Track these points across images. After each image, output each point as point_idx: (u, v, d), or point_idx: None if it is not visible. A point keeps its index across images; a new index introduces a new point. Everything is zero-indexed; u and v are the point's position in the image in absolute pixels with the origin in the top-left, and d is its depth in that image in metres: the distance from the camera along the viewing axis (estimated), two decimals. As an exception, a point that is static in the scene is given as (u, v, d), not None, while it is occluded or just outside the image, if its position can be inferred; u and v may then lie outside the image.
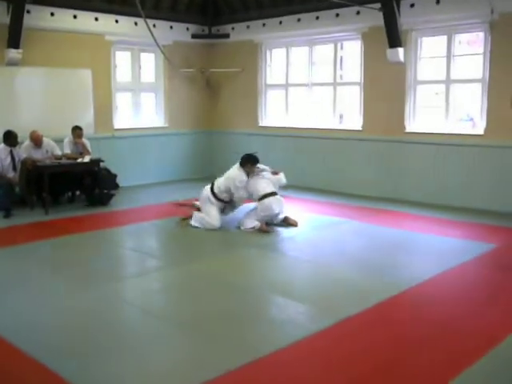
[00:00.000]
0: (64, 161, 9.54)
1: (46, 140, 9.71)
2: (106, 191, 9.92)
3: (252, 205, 8.43)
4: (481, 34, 9.34)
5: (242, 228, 8.10)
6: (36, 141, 9.58)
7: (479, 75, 9.31)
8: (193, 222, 8.29)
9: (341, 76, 11.35)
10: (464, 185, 9.44)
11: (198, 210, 8.51)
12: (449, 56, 9.61)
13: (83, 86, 11.05)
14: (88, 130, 10.73)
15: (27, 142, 9.60)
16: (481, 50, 9.30)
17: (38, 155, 9.54)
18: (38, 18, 10.20)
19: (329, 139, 11.12)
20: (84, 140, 10.08)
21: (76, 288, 5.70)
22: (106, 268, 6.36)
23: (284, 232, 8.09)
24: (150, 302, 5.36)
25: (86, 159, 9.64)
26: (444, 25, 9.52)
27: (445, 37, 9.66)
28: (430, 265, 6.37)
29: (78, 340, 4.50)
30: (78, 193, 10.24)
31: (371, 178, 10.61)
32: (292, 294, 5.52)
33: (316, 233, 8.02)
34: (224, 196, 8.28)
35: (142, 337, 4.55)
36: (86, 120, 11.01)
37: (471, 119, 9.97)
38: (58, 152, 9.79)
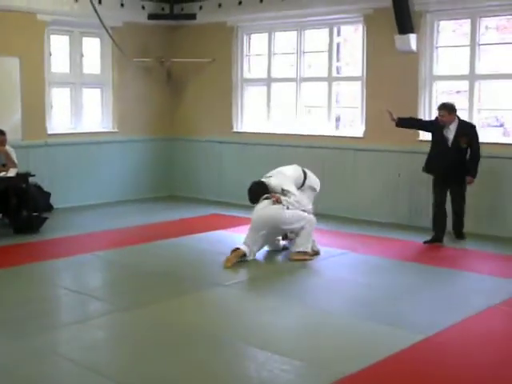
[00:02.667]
0: (-18, 175, 9.48)
1: (-42, 148, 9.66)
2: (36, 214, 9.85)
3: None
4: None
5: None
6: None
7: (511, 69, 9.44)
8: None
9: (338, 69, 11.44)
10: (494, 209, 9.54)
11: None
12: (473, 45, 9.75)
13: (8, 80, 11.00)
14: (14, 135, 10.66)
15: None
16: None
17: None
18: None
19: (322, 149, 11.16)
20: (8, 148, 10.00)
21: (-4, 339, 5.63)
22: (34, 313, 6.26)
23: (266, 266, 8.12)
24: (92, 357, 5.30)
25: (11, 173, 9.57)
26: (467, 6, 9.67)
27: (468, 20, 9.81)
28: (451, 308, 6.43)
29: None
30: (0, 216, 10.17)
31: (375, 199, 10.66)
32: (274, 345, 5.49)
33: (306, 267, 8.05)
34: None
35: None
36: (11, 122, 10.95)
37: (501, 125, 10.09)
38: (-25, 164, 9.74)
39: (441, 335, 5.74)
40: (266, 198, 8.41)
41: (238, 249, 8.09)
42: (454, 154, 8.87)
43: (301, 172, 8.80)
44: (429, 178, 9.67)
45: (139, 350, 5.46)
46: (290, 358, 5.23)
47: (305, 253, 8.28)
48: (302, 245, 8.27)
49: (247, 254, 8.10)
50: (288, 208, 8.27)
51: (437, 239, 9.09)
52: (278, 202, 8.29)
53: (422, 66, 10.15)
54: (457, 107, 8.98)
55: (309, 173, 8.90)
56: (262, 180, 8.62)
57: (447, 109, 8.86)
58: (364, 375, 4.91)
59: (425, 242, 9.11)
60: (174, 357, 5.27)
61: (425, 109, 10.17)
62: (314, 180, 8.92)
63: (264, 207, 8.34)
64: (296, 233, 8.33)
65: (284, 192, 8.40)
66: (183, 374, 4.97)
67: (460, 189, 9.04)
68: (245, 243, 8.19)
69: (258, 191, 8.52)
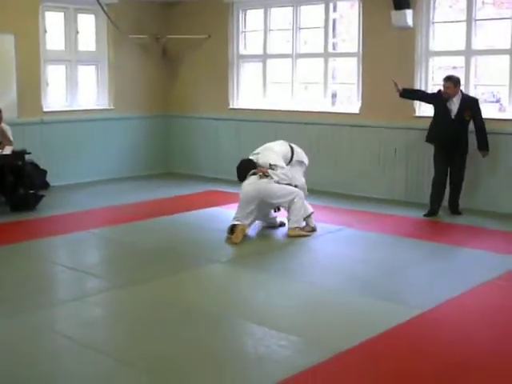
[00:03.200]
0: (-22, 153, 9.46)
1: (-46, 126, 9.64)
2: (32, 192, 9.85)
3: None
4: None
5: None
6: None
7: (507, 45, 9.41)
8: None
9: (334, 45, 11.42)
10: (489, 184, 9.55)
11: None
12: (469, 20, 9.70)
13: (3, 57, 10.94)
14: (9, 112, 10.62)
15: None
16: (510, 12, 9.40)
17: None
18: None
19: (318, 125, 11.16)
20: (4, 126, 9.98)
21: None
22: (32, 291, 6.28)
23: (262, 243, 8.14)
24: (90, 334, 5.31)
25: (7, 151, 9.56)
26: (463, -19, 9.63)
27: (464, -5, 9.77)
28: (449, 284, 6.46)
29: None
30: (-4, 194, 10.15)
31: (372, 175, 10.67)
32: (272, 321, 5.52)
33: (302, 243, 8.07)
34: None
35: (77, 376, 4.52)
36: (7, 100, 10.90)
37: (497, 100, 10.08)
38: (-30, 142, 9.71)
39: (437, 310, 5.77)
40: (253, 174, 8.40)
41: (235, 225, 8.08)
42: (457, 125, 9.04)
43: (288, 147, 8.74)
44: (425, 154, 9.71)
45: (137, 328, 5.48)
46: (288, 333, 5.25)
47: (301, 228, 8.31)
48: (295, 221, 8.28)
49: (245, 230, 8.11)
50: (277, 182, 8.27)
51: (433, 212, 9.19)
52: (265, 175, 8.27)
53: (419, 42, 10.11)
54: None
55: (296, 148, 8.84)
56: (250, 158, 8.61)
57: (453, 81, 9.01)
58: (361, 350, 4.93)
59: (424, 215, 9.24)
60: (171, 334, 5.29)
61: (421, 85, 10.14)
62: (301, 154, 8.85)
63: (251, 183, 8.32)
64: (287, 207, 8.33)
65: (272, 166, 8.37)
66: (181, 350, 4.98)
67: (461, 161, 9.20)
68: (236, 219, 8.20)
69: (247, 168, 8.50)
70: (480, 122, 9.04)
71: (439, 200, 9.31)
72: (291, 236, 8.23)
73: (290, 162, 8.64)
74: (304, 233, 8.28)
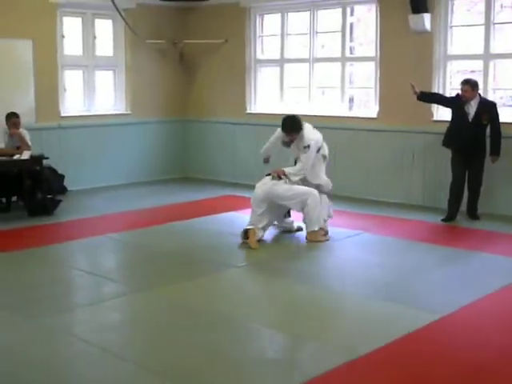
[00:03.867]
0: (-4, 157, 9.53)
1: (-25, 130, 9.72)
2: (50, 196, 9.90)
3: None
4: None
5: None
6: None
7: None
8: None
9: (351, 49, 11.40)
10: (508, 189, 9.50)
11: None
12: (488, 24, 9.66)
13: (21, 62, 11.02)
14: (27, 117, 10.70)
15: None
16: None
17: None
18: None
19: (335, 129, 11.10)
20: (22, 131, 10.04)
21: (10, 321, 5.67)
22: (49, 295, 6.31)
23: (279, 247, 8.15)
24: (107, 338, 5.33)
25: (25, 156, 9.61)
26: (482, -16, 9.60)
27: (483, -1, 9.73)
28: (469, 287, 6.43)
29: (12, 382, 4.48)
30: (14, 199, 10.20)
31: (389, 179, 10.64)
32: (289, 326, 5.53)
33: (319, 248, 8.06)
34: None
35: (95, 381, 4.54)
36: (25, 105, 10.98)
37: (516, 104, 10.04)
38: (-11, 146, 9.79)
39: (455, 315, 5.74)
40: (268, 175, 8.38)
41: (248, 230, 8.03)
42: (474, 129, 8.99)
43: (320, 135, 8.56)
44: (443, 158, 9.66)
45: (154, 332, 5.49)
46: (305, 338, 5.25)
47: (317, 231, 8.24)
48: (312, 224, 8.20)
49: (256, 233, 8.06)
50: (296, 183, 8.23)
51: (451, 217, 9.16)
52: (279, 177, 8.24)
53: (436, 46, 10.08)
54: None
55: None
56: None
57: (470, 84, 8.99)
58: (378, 355, 4.92)
59: (442, 220, 9.23)
60: (188, 338, 5.29)
61: (439, 89, 10.10)
62: (326, 147, 8.64)
63: (262, 184, 8.31)
64: (301, 209, 8.25)
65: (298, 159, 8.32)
66: (198, 355, 4.98)
67: (479, 165, 9.15)
68: (249, 223, 8.16)
69: (294, 122, 8.42)
70: (497, 126, 8.99)
71: (457, 205, 9.27)
72: (310, 241, 8.21)
73: (317, 151, 8.46)
74: (321, 238, 8.24)
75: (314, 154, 8.31)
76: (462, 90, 9.04)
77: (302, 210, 8.23)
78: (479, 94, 9.08)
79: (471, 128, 8.98)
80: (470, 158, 9.10)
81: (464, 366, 4.74)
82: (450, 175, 9.35)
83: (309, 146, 8.22)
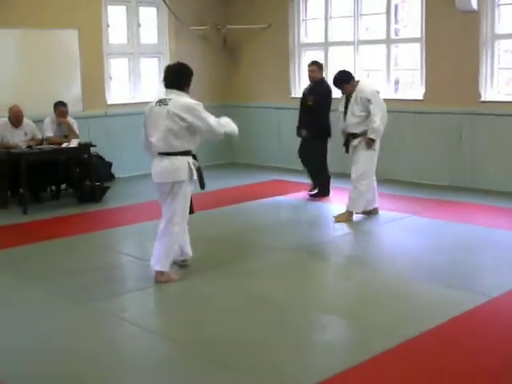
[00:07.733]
0: (46, 146, 9.65)
1: (25, 120, 9.83)
2: (98, 184, 10.03)
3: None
4: None
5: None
6: (16, 118, 9.69)
7: None
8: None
9: (396, 31, 11.30)
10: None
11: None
12: (537, 1, 9.52)
13: (68, 52, 11.16)
14: (75, 106, 10.85)
15: (2, 121, 9.71)
16: None
17: (15, 139, 9.68)
18: (9, -34, 10.33)
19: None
20: (70, 119, 10.18)
21: (62, 305, 5.79)
22: (100, 280, 6.43)
23: (327, 231, 8.17)
24: (158, 322, 5.43)
25: (73, 144, 9.73)
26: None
27: (531, -24, 9.58)
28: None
29: (69, 367, 4.58)
30: (63, 186, 10.36)
31: (436, 162, 10.55)
32: (338, 309, 5.56)
33: (368, 232, 8.08)
34: None
35: (146, 363, 4.63)
36: (72, 94, 11.12)
37: None
38: (39, 135, 9.91)
39: (504, 297, 5.70)
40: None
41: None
42: None
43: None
44: (491, 139, 9.54)
45: (203, 315, 5.55)
46: (354, 321, 5.27)
47: (348, 213, 8.42)
48: (350, 206, 8.43)
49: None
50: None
51: None
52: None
53: (484, 25, 9.93)
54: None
55: None
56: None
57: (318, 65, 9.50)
58: (427, 337, 4.92)
59: None
60: (238, 321, 5.35)
61: (486, 69, 9.97)
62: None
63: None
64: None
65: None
66: (248, 338, 5.03)
67: None
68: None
69: (344, 76, 8.54)
70: None
71: None
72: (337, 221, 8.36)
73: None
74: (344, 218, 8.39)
75: (381, 102, 8.29)
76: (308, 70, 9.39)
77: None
78: None
79: None
80: None
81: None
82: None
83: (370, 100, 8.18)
